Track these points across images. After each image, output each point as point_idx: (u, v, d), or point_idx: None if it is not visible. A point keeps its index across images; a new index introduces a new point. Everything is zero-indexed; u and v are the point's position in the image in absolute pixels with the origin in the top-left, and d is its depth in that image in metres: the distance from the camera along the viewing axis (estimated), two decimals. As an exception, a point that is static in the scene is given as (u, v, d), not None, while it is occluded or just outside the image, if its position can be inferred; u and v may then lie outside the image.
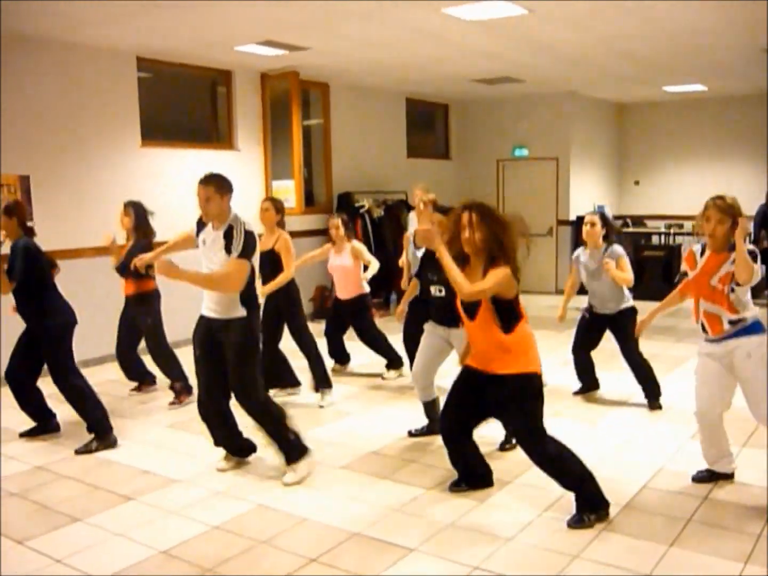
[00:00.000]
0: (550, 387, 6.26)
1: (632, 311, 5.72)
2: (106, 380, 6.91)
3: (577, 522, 3.74)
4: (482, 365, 3.82)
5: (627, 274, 5.57)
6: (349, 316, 6.90)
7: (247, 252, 4.19)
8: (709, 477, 4.25)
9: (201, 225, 4.45)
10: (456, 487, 4.21)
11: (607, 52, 8.41)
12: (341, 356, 7.14)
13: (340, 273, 6.83)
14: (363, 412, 5.85)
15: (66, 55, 7.23)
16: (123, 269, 5.96)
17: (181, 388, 6.12)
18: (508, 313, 3.70)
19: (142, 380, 6.55)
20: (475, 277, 3.69)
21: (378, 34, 7.28)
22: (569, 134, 11.82)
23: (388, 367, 6.95)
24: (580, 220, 11.66)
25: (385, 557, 3.49)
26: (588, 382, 6.16)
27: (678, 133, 12.70)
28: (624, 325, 5.66)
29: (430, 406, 5.14)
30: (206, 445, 5.05)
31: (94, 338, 7.37)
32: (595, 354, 6.10)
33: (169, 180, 8.15)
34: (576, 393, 6.16)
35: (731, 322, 3.90)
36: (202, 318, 4.43)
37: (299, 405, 5.99)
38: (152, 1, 5.85)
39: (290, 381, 6.30)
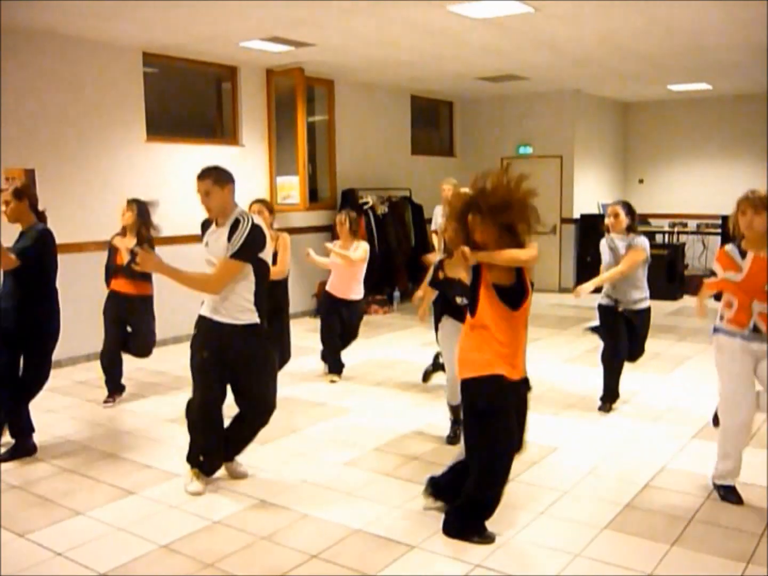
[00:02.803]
0: (554, 385, 6.28)
1: (648, 312, 5.60)
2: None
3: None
4: (518, 370, 3.55)
5: (622, 265, 5.37)
6: (346, 315, 6.69)
7: (247, 251, 3.93)
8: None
9: (205, 227, 4.26)
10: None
11: (611, 51, 8.39)
12: (339, 365, 6.80)
13: (340, 270, 6.64)
14: (364, 409, 5.84)
15: (72, 49, 7.23)
16: (127, 268, 5.79)
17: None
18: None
19: (118, 389, 6.14)
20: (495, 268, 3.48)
21: (383, 31, 7.27)
22: (573, 132, 11.81)
23: (332, 371, 6.74)
24: (584, 218, 11.80)
25: (386, 554, 3.48)
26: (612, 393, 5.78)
27: (682, 132, 12.67)
28: (637, 324, 5.56)
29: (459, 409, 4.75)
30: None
31: (95, 332, 7.38)
32: (594, 352, 6.08)
33: (173, 175, 8.16)
34: (601, 408, 5.73)
35: None
36: (203, 320, 4.13)
37: (300, 402, 6.00)
38: (157, -5, 5.87)
39: None
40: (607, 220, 5.63)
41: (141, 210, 5.91)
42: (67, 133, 7.28)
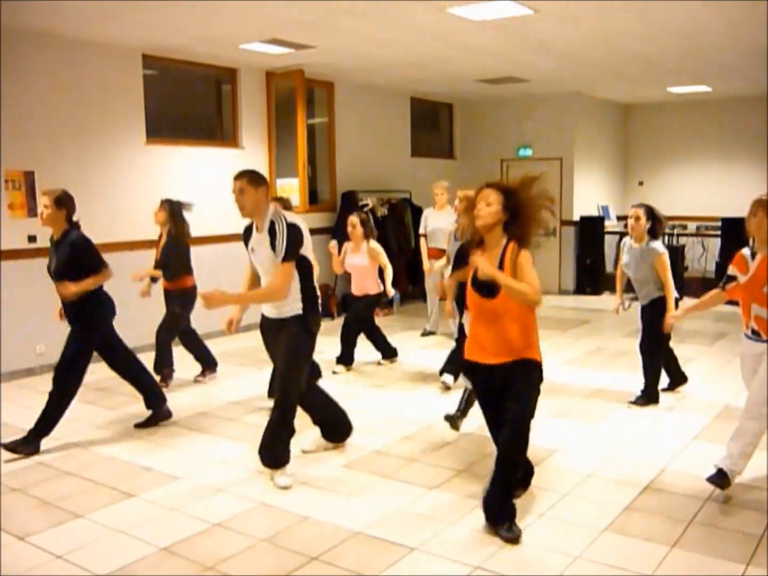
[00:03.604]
0: (554, 386, 6.28)
1: (662, 302, 5.53)
2: (109, 376, 6.90)
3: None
4: (493, 355, 3.66)
5: (664, 276, 5.42)
6: (358, 305, 7.05)
7: (292, 250, 4.12)
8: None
9: (247, 234, 4.40)
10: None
11: (611, 53, 8.39)
12: (347, 359, 7.10)
13: (356, 272, 6.97)
14: (365, 411, 5.84)
15: (71, 51, 7.23)
16: (162, 267, 6.40)
17: (168, 373, 6.52)
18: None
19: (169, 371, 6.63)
20: (492, 255, 3.63)
21: (383, 34, 7.28)
22: (573, 134, 11.81)
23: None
24: (584, 220, 11.80)
25: (386, 556, 3.48)
26: (674, 377, 6.04)
27: (682, 134, 12.68)
28: (649, 315, 5.59)
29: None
30: (207, 441, 5.06)
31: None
32: (598, 354, 6.08)
33: (173, 177, 8.15)
34: (665, 389, 5.96)
35: None
36: (265, 319, 4.42)
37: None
38: (157, -2, 5.87)
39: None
40: (628, 223, 5.61)
41: (173, 210, 6.38)
42: (67, 135, 7.28)
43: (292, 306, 4.25)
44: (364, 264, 6.88)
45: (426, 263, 8.25)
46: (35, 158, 7.00)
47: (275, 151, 9.43)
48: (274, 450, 4.37)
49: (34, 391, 6.31)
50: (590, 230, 11.90)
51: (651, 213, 5.54)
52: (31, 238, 6.89)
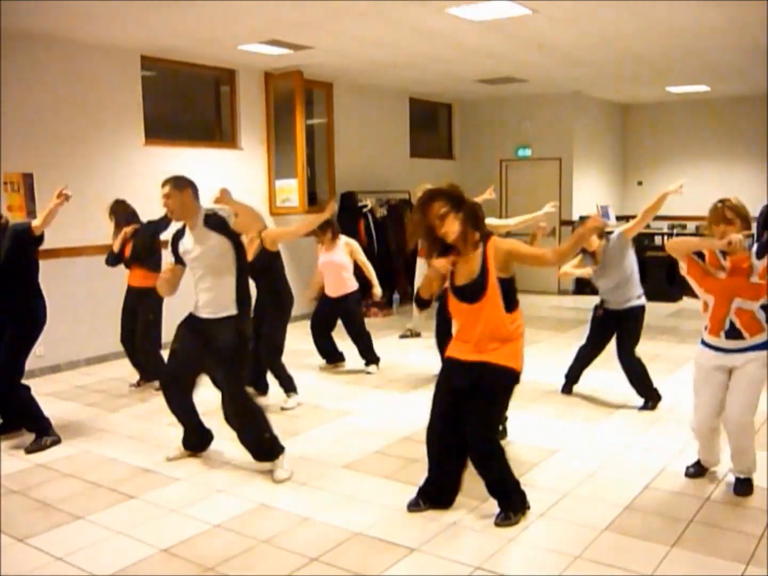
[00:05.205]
0: (554, 387, 6.28)
1: (641, 310, 5.65)
2: (108, 378, 6.93)
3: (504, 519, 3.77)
4: (473, 353, 3.71)
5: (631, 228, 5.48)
6: (341, 312, 6.91)
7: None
8: (700, 472, 4.35)
9: (175, 240, 4.55)
10: (415, 507, 3.96)
11: (610, 53, 8.40)
12: (334, 355, 7.10)
13: (330, 269, 6.78)
14: (365, 412, 5.84)
15: (70, 52, 7.23)
16: (132, 257, 6.27)
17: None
18: (512, 294, 3.71)
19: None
20: (467, 260, 3.67)
21: (382, 34, 7.28)
22: (572, 134, 11.82)
23: (367, 363, 7.04)
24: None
25: (386, 557, 3.48)
26: (572, 379, 6.18)
27: (681, 134, 12.69)
28: (628, 323, 5.65)
29: None
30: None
31: (95, 336, 7.40)
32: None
33: (172, 179, 8.14)
34: (563, 391, 6.15)
35: None
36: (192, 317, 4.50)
37: (301, 405, 5.99)
38: (157, 0, 5.87)
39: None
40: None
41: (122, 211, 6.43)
42: (65, 136, 7.28)
43: (230, 308, 4.38)
44: (339, 261, 6.72)
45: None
46: (34, 160, 7.00)
47: (274, 152, 9.43)
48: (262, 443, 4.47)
49: (33, 393, 6.29)
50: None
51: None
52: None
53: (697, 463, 4.37)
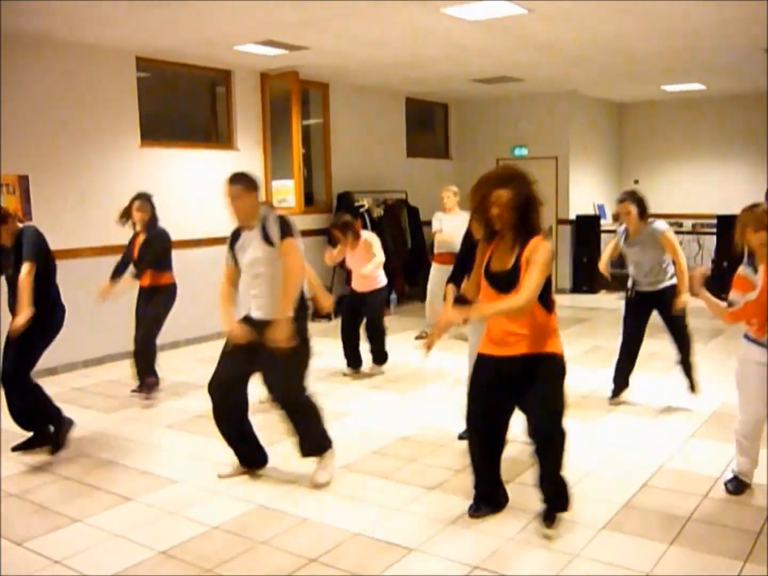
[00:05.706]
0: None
1: (674, 288, 5.54)
2: (106, 381, 6.92)
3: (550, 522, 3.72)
4: (509, 347, 3.60)
5: (674, 251, 5.53)
6: (367, 307, 6.91)
7: (290, 232, 4.14)
8: (740, 488, 4.10)
9: (235, 236, 4.35)
10: (477, 512, 3.88)
11: (606, 52, 8.40)
12: (357, 361, 7.02)
13: (359, 268, 6.84)
14: (363, 412, 5.84)
15: (65, 54, 7.22)
16: (139, 263, 6.13)
17: (154, 384, 6.23)
18: (547, 291, 3.58)
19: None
20: (507, 249, 3.58)
21: (378, 34, 7.28)
22: (568, 133, 11.82)
23: (376, 362, 7.04)
24: (580, 219, 11.80)
25: (386, 557, 3.48)
26: (622, 384, 5.88)
27: (677, 133, 12.70)
28: (668, 303, 5.52)
29: None
30: (205, 445, 5.05)
31: (92, 339, 7.38)
32: (595, 353, 6.06)
33: (168, 180, 8.14)
34: (612, 398, 5.88)
35: None
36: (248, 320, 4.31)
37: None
38: (152, 0, 5.85)
39: None
40: (623, 218, 5.60)
41: (153, 205, 6.35)
42: (61, 138, 7.26)
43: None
44: (363, 259, 6.76)
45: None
46: (29, 162, 6.99)
47: (270, 152, 9.42)
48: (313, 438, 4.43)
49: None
50: (586, 229, 11.91)
51: (636, 200, 5.51)
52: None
53: (735, 479, 4.12)
